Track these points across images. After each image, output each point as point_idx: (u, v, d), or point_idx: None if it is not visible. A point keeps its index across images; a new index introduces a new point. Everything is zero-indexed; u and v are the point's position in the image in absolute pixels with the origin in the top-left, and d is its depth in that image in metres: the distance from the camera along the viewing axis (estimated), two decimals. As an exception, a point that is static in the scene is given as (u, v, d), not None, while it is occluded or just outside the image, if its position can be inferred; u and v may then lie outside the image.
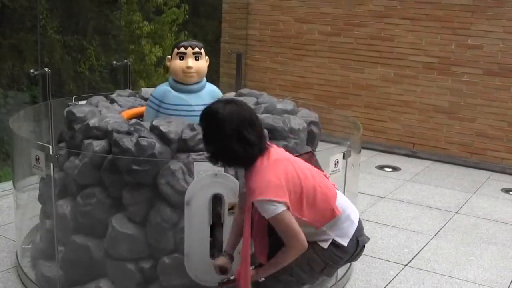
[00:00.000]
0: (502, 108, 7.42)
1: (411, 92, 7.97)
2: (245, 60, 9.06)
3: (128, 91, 4.98)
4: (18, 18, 9.61)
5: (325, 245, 3.08)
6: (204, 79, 4.17)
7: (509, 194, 6.68)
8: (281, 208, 2.83)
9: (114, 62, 7.50)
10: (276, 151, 3.03)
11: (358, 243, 3.16)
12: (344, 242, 3.09)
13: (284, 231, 2.88)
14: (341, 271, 4.30)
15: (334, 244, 3.08)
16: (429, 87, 7.84)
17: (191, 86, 4.08)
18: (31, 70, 6.33)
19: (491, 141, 7.56)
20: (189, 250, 3.54)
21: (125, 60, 7.36)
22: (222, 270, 3.26)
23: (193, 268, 3.57)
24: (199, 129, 3.72)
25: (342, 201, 3.16)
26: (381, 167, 7.48)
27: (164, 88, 4.14)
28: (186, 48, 4.03)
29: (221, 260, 3.27)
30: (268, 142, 3.10)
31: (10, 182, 4.91)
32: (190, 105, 4.03)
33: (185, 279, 3.59)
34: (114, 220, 3.70)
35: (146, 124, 3.82)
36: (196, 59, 4.04)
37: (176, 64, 4.04)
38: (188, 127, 3.75)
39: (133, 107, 4.54)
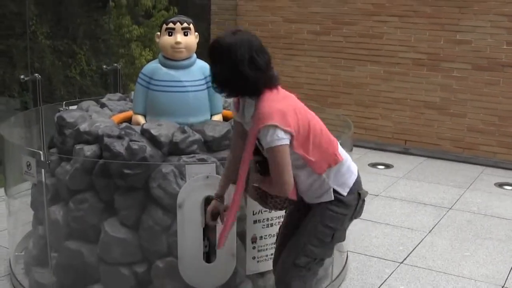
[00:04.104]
0: (492, 103, 7.44)
1: (401, 89, 7.98)
2: (236, 61, 9.02)
3: (118, 95, 4.97)
4: (8, 24, 9.58)
5: (327, 198, 3.04)
6: (194, 55, 4.12)
7: (503, 188, 6.69)
8: (284, 141, 2.80)
9: (104, 67, 7.47)
10: (284, 91, 2.99)
11: (359, 196, 3.13)
12: (344, 191, 3.05)
13: (277, 164, 2.84)
14: (336, 270, 4.30)
15: (335, 196, 3.03)
16: (419, 84, 7.85)
17: (181, 62, 4.04)
18: (21, 76, 6.29)
19: (482, 135, 7.58)
20: (183, 254, 3.53)
21: (115, 64, 7.32)
22: (214, 215, 3.25)
23: (187, 271, 3.56)
24: (189, 131, 3.73)
25: (343, 152, 3.14)
26: (373, 165, 7.48)
27: (154, 65, 4.10)
28: (174, 23, 3.99)
29: (213, 204, 3.27)
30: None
31: (2, 189, 4.90)
32: (181, 81, 4.00)
33: (179, 282, 3.58)
34: (106, 225, 3.69)
35: (137, 128, 3.81)
36: (185, 34, 4.00)
37: (165, 40, 4.00)
38: (179, 130, 3.74)
39: (123, 111, 4.52)
